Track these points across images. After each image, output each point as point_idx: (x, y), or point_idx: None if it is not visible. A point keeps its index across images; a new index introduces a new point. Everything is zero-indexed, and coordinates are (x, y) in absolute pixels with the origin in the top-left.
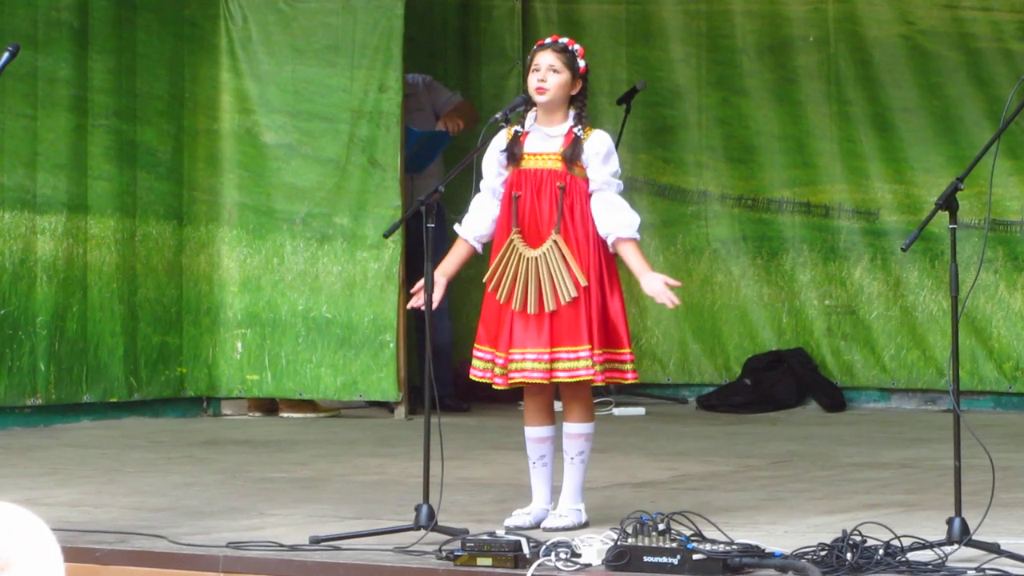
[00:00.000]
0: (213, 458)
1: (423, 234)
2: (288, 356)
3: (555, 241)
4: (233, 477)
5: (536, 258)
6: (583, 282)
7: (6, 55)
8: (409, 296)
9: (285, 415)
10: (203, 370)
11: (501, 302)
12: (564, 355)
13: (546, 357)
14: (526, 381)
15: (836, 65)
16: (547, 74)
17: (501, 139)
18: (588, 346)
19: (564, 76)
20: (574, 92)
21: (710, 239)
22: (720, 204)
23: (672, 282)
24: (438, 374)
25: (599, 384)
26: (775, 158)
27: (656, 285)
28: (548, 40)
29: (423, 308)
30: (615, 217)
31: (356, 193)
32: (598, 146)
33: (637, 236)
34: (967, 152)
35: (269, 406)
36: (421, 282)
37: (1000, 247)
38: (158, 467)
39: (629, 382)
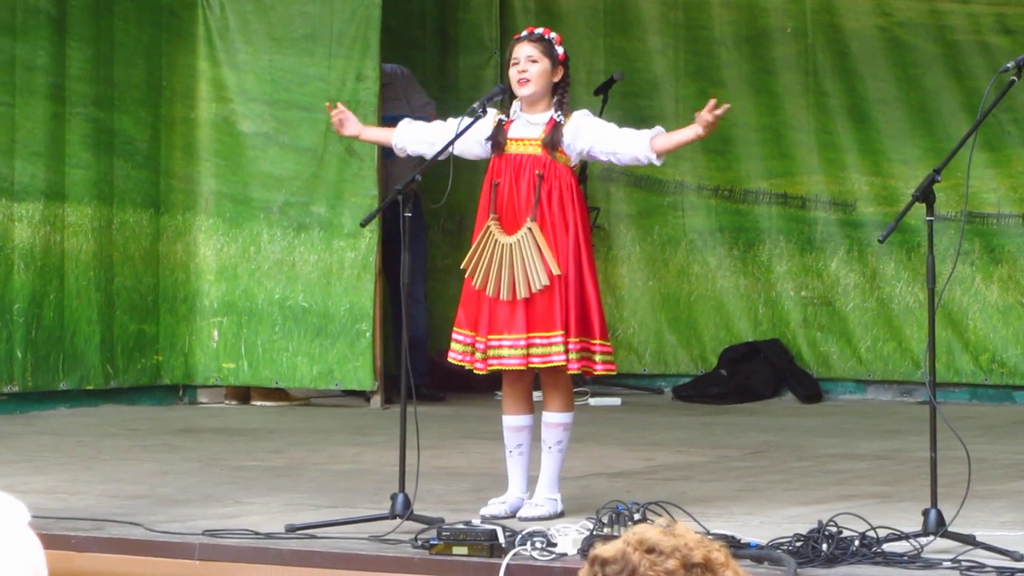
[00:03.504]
0: (189, 446)
1: (400, 223)
2: (264, 345)
3: (529, 228)
4: (209, 465)
5: (511, 245)
6: (556, 271)
7: None
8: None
9: (257, 404)
10: (179, 358)
11: (477, 288)
12: (538, 340)
13: (522, 343)
14: (503, 367)
15: (813, 56)
16: (527, 65)
17: (488, 124)
18: (561, 332)
19: (543, 64)
20: (556, 79)
21: (687, 230)
22: (697, 195)
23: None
24: (414, 363)
25: (574, 372)
26: (752, 149)
27: (705, 118)
28: (524, 32)
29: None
30: (633, 138)
31: (333, 182)
32: (578, 121)
33: (661, 128)
34: (944, 144)
35: (243, 394)
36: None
37: (977, 239)
38: (134, 455)
39: (599, 373)
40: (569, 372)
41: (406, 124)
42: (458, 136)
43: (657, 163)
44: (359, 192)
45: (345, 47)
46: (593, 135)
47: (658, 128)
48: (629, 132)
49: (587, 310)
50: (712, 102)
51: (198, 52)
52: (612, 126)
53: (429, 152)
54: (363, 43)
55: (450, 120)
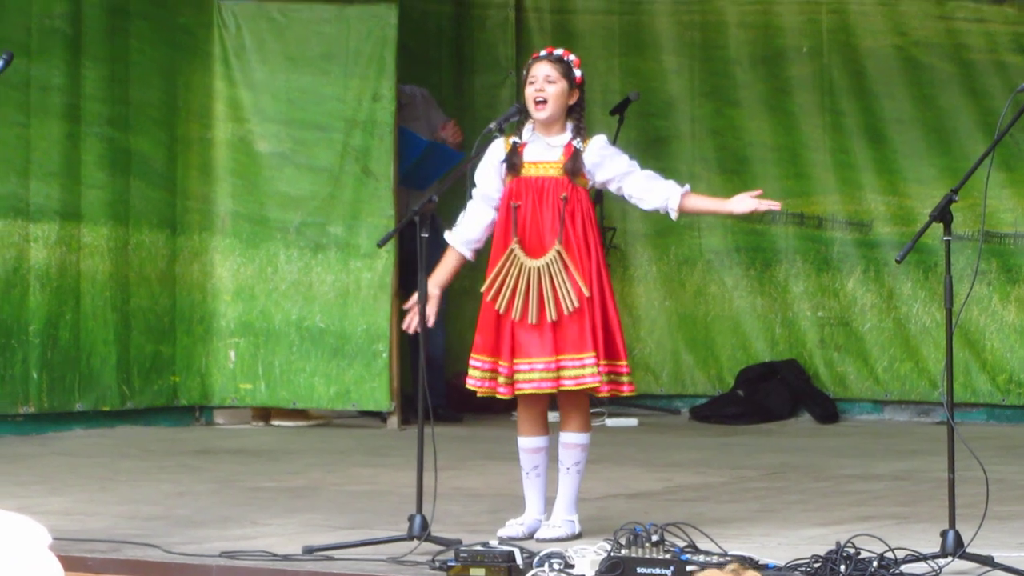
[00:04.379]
0: (206, 467)
1: (417, 244)
2: (281, 365)
3: (558, 251)
4: (226, 486)
5: (538, 268)
6: (586, 292)
7: (0, 63)
8: (403, 312)
9: (276, 423)
10: (196, 379)
11: (501, 312)
12: (569, 363)
13: (553, 366)
14: (538, 391)
15: (829, 76)
16: (544, 85)
17: (499, 149)
18: (593, 353)
19: (561, 86)
20: (572, 102)
21: (703, 250)
22: (713, 215)
23: (752, 194)
24: (431, 384)
25: (604, 395)
26: (768, 169)
27: (751, 206)
28: (543, 52)
29: (418, 329)
30: (661, 188)
31: (350, 202)
32: (599, 149)
33: (689, 187)
34: (960, 164)
35: (267, 415)
36: (414, 299)
37: (994, 259)
38: (151, 476)
39: (627, 394)
40: (600, 395)
41: (452, 234)
42: (477, 155)
43: (674, 218)
44: (376, 212)
45: (361, 67)
46: (616, 170)
47: (687, 186)
48: (655, 181)
49: (611, 332)
50: (759, 192)
51: (214, 72)
52: (635, 165)
53: (481, 228)
54: (379, 63)
55: (474, 192)
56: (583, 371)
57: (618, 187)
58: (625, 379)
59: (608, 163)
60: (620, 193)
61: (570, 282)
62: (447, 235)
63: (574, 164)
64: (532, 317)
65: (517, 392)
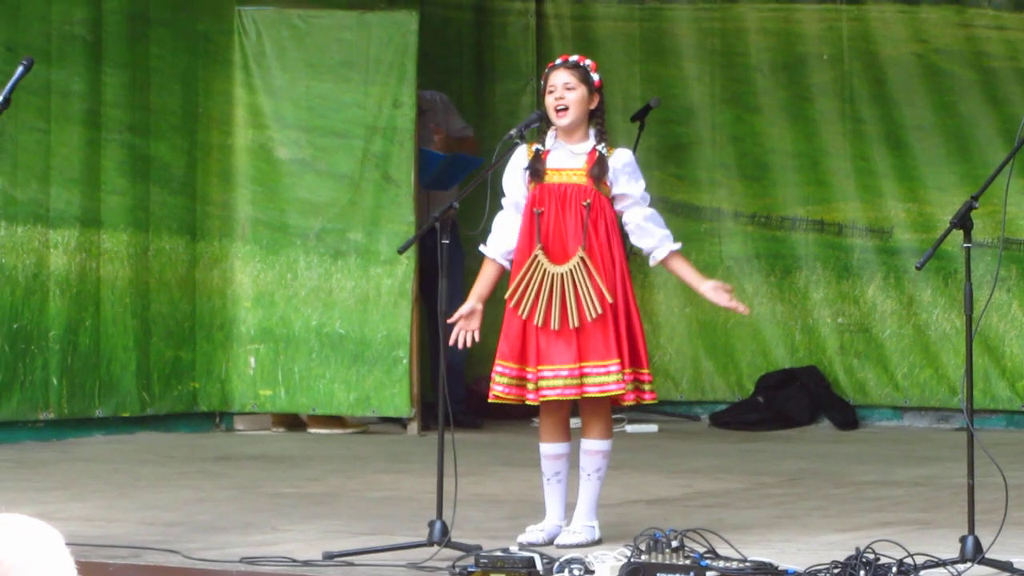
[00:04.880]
0: (226, 473)
1: (437, 250)
2: (301, 371)
3: (582, 258)
4: (246, 492)
5: (562, 274)
6: (610, 299)
7: (20, 69)
8: (448, 326)
9: (313, 431)
10: (216, 385)
11: (524, 318)
12: (592, 370)
13: (576, 373)
14: (562, 398)
15: (850, 83)
16: (563, 92)
17: (522, 156)
18: (618, 360)
19: (580, 91)
20: (592, 107)
21: (723, 256)
22: (733, 221)
23: (728, 288)
24: (451, 390)
25: (629, 403)
26: (788, 176)
27: (722, 299)
28: (558, 60)
29: (467, 345)
30: (658, 232)
31: (370, 209)
32: (625, 163)
33: (680, 246)
34: (980, 171)
35: (293, 421)
36: (458, 313)
37: (1013, 266)
38: (171, 482)
39: (648, 402)
40: (624, 403)
41: (489, 246)
42: (498, 161)
43: (651, 264)
44: (396, 219)
45: (382, 73)
46: (628, 190)
47: (679, 245)
48: (655, 224)
49: (635, 340)
50: (731, 288)
51: (234, 79)
52: (647, 198)
53: (515, 236)
54: (400, 69)
55: (504, 202)
56: (607, 378)
57: (620, 208)
58: (647, 387)
59: (625, 180)
60: (619, 213)
61: (594, 289)
62: (483, 248)
63: (600, 168)
64: (555, 323)
65: (541, 399)
